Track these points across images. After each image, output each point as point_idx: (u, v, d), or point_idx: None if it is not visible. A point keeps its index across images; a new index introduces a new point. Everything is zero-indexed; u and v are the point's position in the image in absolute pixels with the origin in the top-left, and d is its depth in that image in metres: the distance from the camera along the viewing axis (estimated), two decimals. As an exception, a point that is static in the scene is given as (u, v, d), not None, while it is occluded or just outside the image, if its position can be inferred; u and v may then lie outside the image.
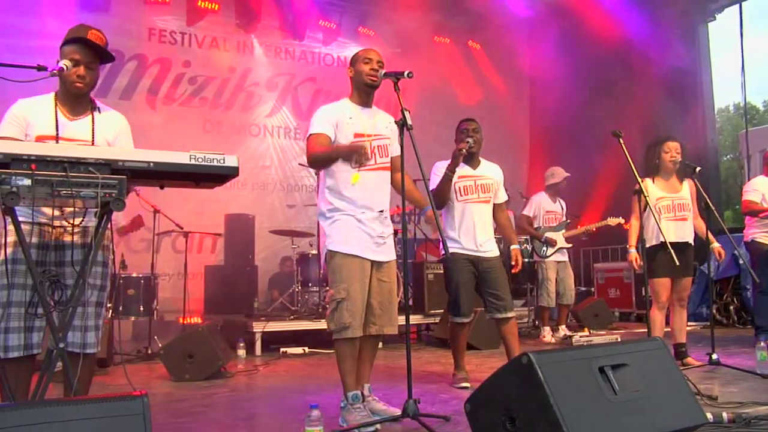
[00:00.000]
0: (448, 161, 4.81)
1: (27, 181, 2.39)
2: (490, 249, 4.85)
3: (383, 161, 3.89)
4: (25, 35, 8.17)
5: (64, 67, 2.99)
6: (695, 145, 9.70)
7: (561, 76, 11.02)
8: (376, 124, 3.93)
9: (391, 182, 4.06)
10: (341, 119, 3.80)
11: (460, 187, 4.82)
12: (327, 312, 3.79)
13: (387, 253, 3.88)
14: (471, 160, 4.91)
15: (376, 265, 3.81)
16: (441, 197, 4.76)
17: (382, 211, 3.84)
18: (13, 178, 2.37)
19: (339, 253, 3.72)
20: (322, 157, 3.76)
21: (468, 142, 4.77)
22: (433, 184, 4.78)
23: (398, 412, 3.58)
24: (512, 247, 5.04)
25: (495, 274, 4.76)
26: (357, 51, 4.05)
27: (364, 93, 3.93)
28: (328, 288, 3.84)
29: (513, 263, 4.95)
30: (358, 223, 3.75)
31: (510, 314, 4.74)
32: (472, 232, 4.80)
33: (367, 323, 3.78)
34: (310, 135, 3.81)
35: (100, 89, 9.14)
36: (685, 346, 5.35)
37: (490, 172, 5.01)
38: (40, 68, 2.98)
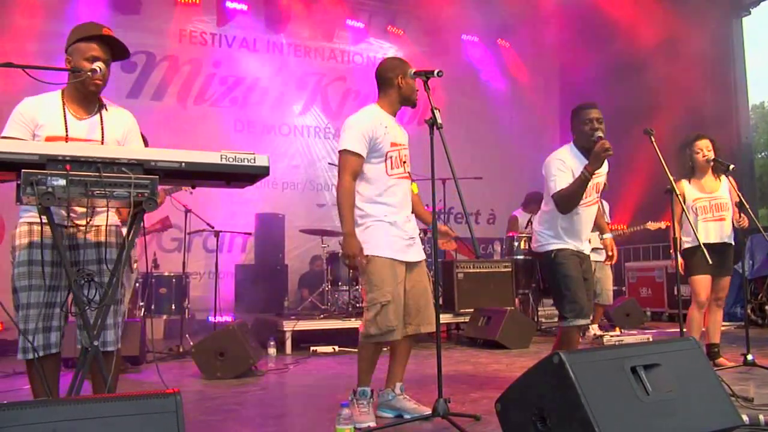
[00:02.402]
0: (567, 150, 4.28)
1: (62, 182, 2.42)
2: (588, 249, 4.53)
3: (409, 170, 3.94)
4: (58, 38, 8.30)
5: (98, 69, 3.01)
6: (729, 142, 9.55)
7: (592, 71, 10.92)
8: (402, 134, 3.96)
9: None
10: (378, 132, 3.75)
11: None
12: (367, 315, 3.71)
13: (418, 253, 3.91)
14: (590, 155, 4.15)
15: (408, 266, 3.83)
16: (575, 201, 4.14)
17: (407, 217, 3.89)
18: (49, 178, 2.41)
19: (377, 257, 3.71)
20: (340, 212, 3.73)
21: (602, 136, 4.08)
22: (560, 181, 4.16)
23: (429, 410, 3.58)
24: (605, 236, 4.74)
25: (589, 279, 4.47)
26: (402, 60, 4.00)
27: (400, 106, 3.94)
28: (361, 289, 3.85)
29: (610, 253, 4.73)
30: (391, 226, 3.76)
31: (588, 321, 4.42)
32: (583, 234, 4.41)
33: (404, 323, 3.80)
34: (346, 151, 3.73)
35: (132, 90, 9.29)
36: (718, 347, 5.26)
37: (603, 168, 4.28)
38: (74, 70, 3.01)
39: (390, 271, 3.70)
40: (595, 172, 4.09)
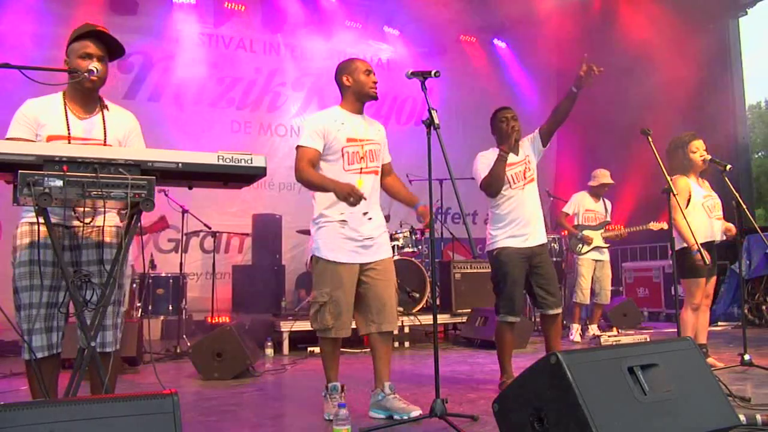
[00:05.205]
0: (491, 150, 4.65)
1: (59, 182, 2.42)
2: (541, 235, 4.64)
3: (374, 165, 3.99)
4: (55, 38, 8.29)
5: (95, 70, 3.00)
6: (726, 142, 9.56)
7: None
8: (369, 129, 4.02)
9: (381, 186, 4.15)
10: (330, 126, 3.87)
11: (512, 175, 4.57)
12: (310, 311, 3.96)
13: (378, 252, 3.95)
14: (513, 147, 4.61)
15: (366, 266, 3.90)
16: (497, 182, 4.49)
17: (366, 213, 3.90)
18: (46, 179, 2.41)
19: (323, 260, 3.86)
20: (313, 184, 3.83)
21: (514, 127, 4.55)
22: (484, 172, 4.54)
23: (418, 410, 3.66)
24: None
25: (546, 269, 4.59)
26: (350, 59, 4.10)
27: (361, 102, 4.02)
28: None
29: None
30: (343, 229, 3.85)
31: (559, 310, 4.61)
32: (530, 220, 4.59)
33: (366, 322, 3.92)
34: (299, 146, 3.88)
35: (129, 91, 9.28)
36: (706, 347, 5.23)
37: (527, 151, 4.72)
38: (71, 71, 3.01)
39: (330, 274, 3.84)
40: (521, 158, 4.61)
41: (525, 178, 4.63)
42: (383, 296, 3.92)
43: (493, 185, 4.53)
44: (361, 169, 3.91)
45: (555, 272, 4.76)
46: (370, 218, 3.93)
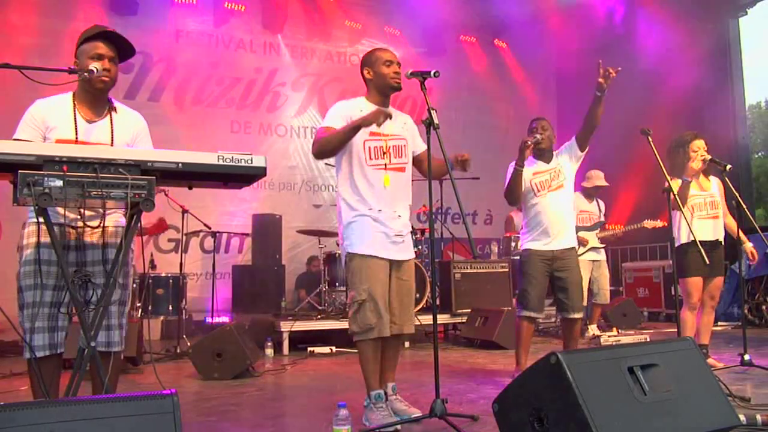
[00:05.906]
0: None
1: (59, 182, 2.42)
2: (565, 240, 4.77)
3: (398, 161, 3.89)
4: (56, 38, 8.29)
5: (95, 70, 3.00)
6: (725, 142, 9.55)
7: (588, 71, 10.91)
8: (393, 125, 3.92)
9: (420, 172, 4.12)
10: (355, 115, 3.77)
11: (536, 184, 4.77)
12: (349, 314, 3.77)
13: (405, 251, 3.88)
14: (543, 156, 4.85)
15: (395, 264, 3.81)
16: (513, 194, 4.75)
17: (395, 210, 3.83)
18: (46, 179, 2.41)
19: (358, 255, 3.72)
20: (335, 138, 3.70)
21: (535, 137, 4.74)
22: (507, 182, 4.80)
23: (419, 412, 3.63)
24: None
25: (567, 273, 4.70)
26: (372, 50, 4.04)
27: (384, 95, 3.93)
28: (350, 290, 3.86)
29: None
30: (375, 222, 3.75)
31: (579, 315, 4.71)
32: (547, 225, 4.74)
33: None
34: (321, 127, 3.82)
35: (129, 91, 9.28)
36: (707, 348, 5.24)
37: (561, 158, 4.90)
38: (71, 71, 3.01)
39: (369, 270, 3.69)
40: (551, 166, 4.81)
41: (551, 186, 4.78)
42: (407, 297, 3.87)
43: (509, 196, 4.82)
44: (386, 165, 3.81)
45: (579, 278, 4.85)
46: (399, 216, 3.85)
